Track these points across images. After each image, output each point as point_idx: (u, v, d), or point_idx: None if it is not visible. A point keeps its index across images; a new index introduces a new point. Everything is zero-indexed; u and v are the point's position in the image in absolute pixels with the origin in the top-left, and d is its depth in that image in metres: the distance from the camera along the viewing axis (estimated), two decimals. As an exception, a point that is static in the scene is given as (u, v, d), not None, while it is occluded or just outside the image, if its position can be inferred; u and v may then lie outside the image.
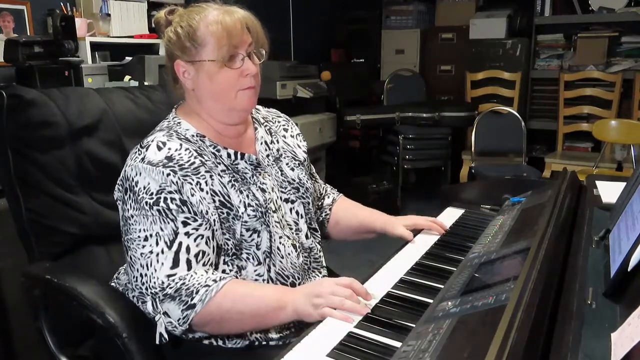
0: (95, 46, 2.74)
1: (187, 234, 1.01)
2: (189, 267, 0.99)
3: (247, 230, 1.09)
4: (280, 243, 1.14)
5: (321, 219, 1.39)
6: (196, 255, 1.01)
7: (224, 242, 1.08)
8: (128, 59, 2.75)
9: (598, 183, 1.39)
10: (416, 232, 1.32)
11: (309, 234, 1.23)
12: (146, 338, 1.02)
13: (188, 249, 1.00)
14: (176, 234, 1.00)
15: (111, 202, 1.31)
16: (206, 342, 1.08)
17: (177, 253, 0.99)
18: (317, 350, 0.83)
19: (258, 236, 1.10)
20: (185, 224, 1.01)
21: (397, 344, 0.82)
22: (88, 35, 2.69)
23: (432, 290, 1.02)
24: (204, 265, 1.02)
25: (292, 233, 1.19)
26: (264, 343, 1.09)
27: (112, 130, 1.33)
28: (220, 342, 1.08)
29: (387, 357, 0.79)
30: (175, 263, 0.99)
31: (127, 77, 2.58)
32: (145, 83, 2.56)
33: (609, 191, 1.28)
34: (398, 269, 1.13)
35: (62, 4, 2.71)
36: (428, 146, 4.08)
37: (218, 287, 0.97)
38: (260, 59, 1.12)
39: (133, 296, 1.04)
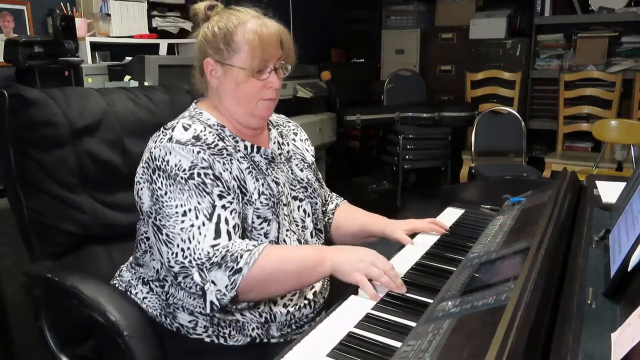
0: (95, 46, 2.74)
1: (224, 207, 1.04)
2: (230, 238, 1.02)
3: (258, 217, 1.11)
4: (286, 236, 1.16)
5: (324, 223, 1.40)
6: (234, 227, 1.04)
7: None
8: (128, 59, 2.75)
9: (598, 183, 1.39)
10: (415, 232, 1.32)
11: (314, 233, 1.24)
12: (147, 336, 1.02)
13: (227, 221, 1.03)
14: (214, 207, 1.03)
15: (112, 202, 1.31)
16: (207, 339, 1.08)
17: (217, 224, 1.02)
18: (317, 350, 0.83)
19: (268, 225, 1.12)
20: (220, 197, 1.04)
21: (397, 344, 0.83)
22: (88, 35, 2.69)
23: (432, 290, 1.02)
24: (239, 238, 1.05)
25: (299, 229, 1.20)
26: (265, 340, 1.10)
27: (113, 130, 1.34)
28: (221, 340, 1.08)
29: (387, 357, 0.79)
30: (218, 234, 1.01)
31: (127, 77, 2.58)
32: (145, 83, 2.56)
33: (609, 191, 1.28)
34: (398, 269, 1.12)
35: (62, 4, 2.71)
36: (428, 146, 4.08)
37: (260, 250, 1.00)
38: (286, 73, 1.16)
39: (181, 267, 1.02)
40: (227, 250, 1.00)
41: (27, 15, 2.62)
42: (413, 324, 0.88)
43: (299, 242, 1.19)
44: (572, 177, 1.35)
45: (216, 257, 0.99)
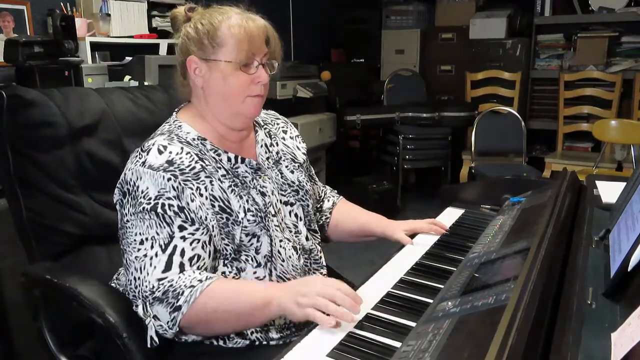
0: (95, 46, 2.74)
1: (183, 238, 1.00)
2: (181, 270, 0.99)
3: (247, 235, 1.09)
4: (280, 246, 1.14)
5: (321, 222, 1.39)
6: (190, 259, 1.00)
7: (223, 247, 1.08)
8: (128, 59, 2.75)
9: (598, 183, 1.39)
10: (415, 233, 1.32)
11: (309, 235, 1.23)
12: (146, 338, 1.01)
13: (183, 252, 1.00)
14: (172, 237, 1.00)
15: (111, 202, 1.31)
16: (207, 341, 1.08)
17: (170, 256, 0.99)
18: (317, 350, 0.83)
19: (257, 240, 1.10)
20: (181, 228, 1.01)
21: (397, 344, 0.83)
22: (88, 35, 2.69)
23: (432, 290, 1.02)
24: (198, 268, 1.01)
25: (292, 235, 1.19)
26: (264, 343, 1.09)
27: (112, 130, 1.33)
28: (220, 342, 1.08)
29: (387, 357, 0.79)
30: (168, 266, 0.99)
31: (127, 77, 2.59)
32: (145, 83, 2.56)
33: (609, 191, 1.28)
34: (398, 269, 1.13)
35: (62, 4, 2.72)
36: (428, 146, 4.08)
37: (203, 287, 0.96)
38: (272, 71, 1.14)
39: (133, 296, 1.04)
40: (171, 285, 0.97)
41: (27, 15, 2.62)
42: (413, 324, 0.88)
43: (295, 249, 1.17)
44: (572, 177, 1.35)
45: (159, 291, 0.97)
